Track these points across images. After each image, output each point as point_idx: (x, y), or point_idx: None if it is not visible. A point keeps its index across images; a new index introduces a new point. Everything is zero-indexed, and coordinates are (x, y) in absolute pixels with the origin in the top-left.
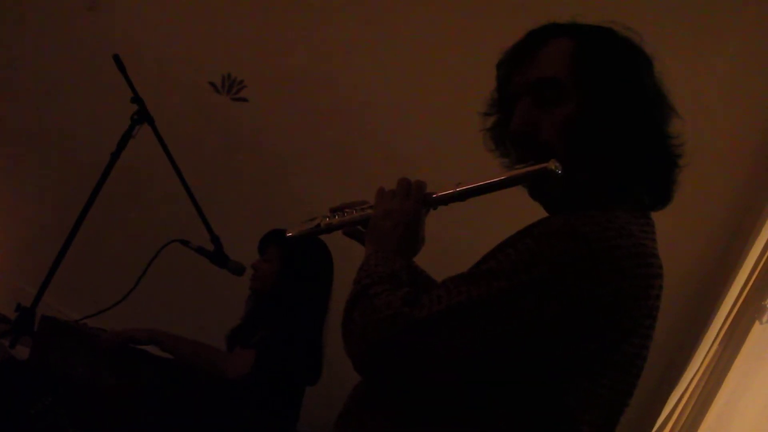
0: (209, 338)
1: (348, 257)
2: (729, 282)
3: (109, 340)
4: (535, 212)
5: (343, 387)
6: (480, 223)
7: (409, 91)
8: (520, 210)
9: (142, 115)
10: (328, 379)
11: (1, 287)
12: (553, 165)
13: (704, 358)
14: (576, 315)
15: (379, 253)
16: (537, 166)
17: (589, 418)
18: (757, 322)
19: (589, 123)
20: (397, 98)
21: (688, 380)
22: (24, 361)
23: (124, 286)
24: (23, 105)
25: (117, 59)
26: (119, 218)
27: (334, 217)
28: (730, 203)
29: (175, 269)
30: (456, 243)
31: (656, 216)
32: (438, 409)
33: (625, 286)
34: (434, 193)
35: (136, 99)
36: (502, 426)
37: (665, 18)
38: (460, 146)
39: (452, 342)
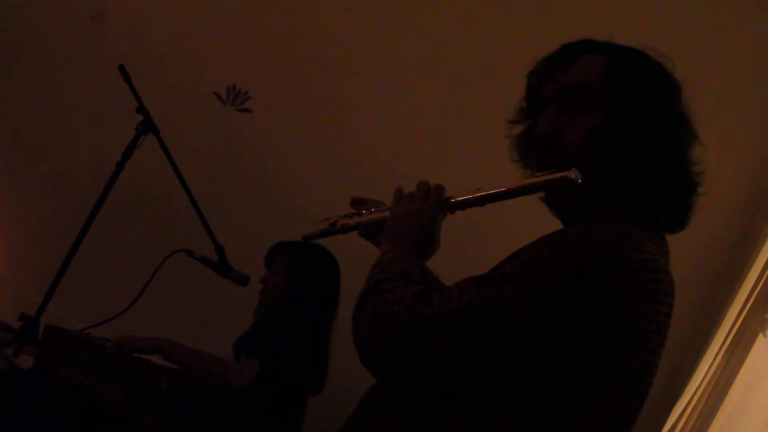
0: (213, 347)
1: (354, 267)
2: (732, 294)
3: (112, 349)
4: (550, 223)
5: (347, 396)
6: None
7: (416, 103)
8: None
9: (147, 126)
10: (332, 388)
11: (5, 296)
12: (573, 174)
13: (708, 370)
14: (583, 324)
15: (395, 252)
16: (557, 174)
17: (592, 430)
18: (760, 335)
19: (612, 137)
20: (404, 109)
21: (691, 393)
22: (28, 370)
23: (128, 295)
24: (28, 114)
25: (122, 69)
26: (124, 228)
27: (351, 217)
28: (734, 215)
29: (179, 279)
30: (467, 250)
31: None
32: (443, 416)
33: (635, 300)
34: (453, 197)
35: (141, 109)
36: None
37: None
38: (468, 159)
39: (459, 341)
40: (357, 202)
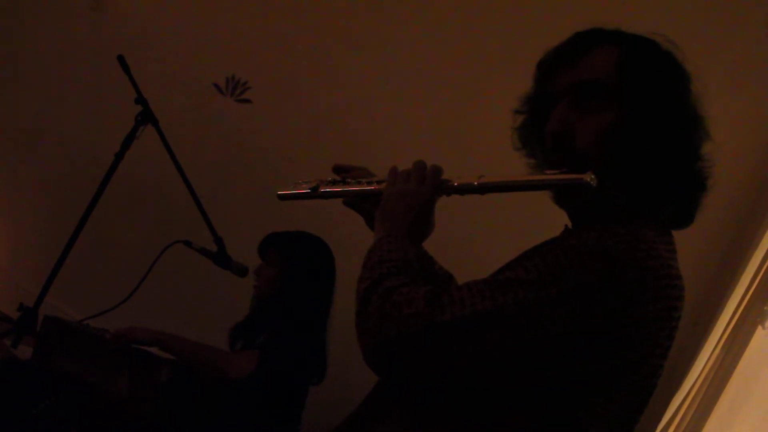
0: (212, 339)
1: (348, 254)
2: (731, 286)
3: (111, 340)
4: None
5: (345, 390)
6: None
7: (415, 94)
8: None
9: (146, 116)
10: (331, 381)
11: (4, 286)
12: (589, 177)
13: (706, 362)
14: (598, 333)
15: (391, 237)
16: (572, 176)
17: None
18: (759, 327)
19: (628, 135)
20: (403, 101)
21: (689, 385)
22: (26, 360)
23: (127, 286)
24: (27, 105)
25: (121, 60)
26: (122, 219)
27: (335, 184)
28: (733, 206)
29: (178, 270)
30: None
31: None
32: (449, 418)
33: (651, 310)
34: (452, 181)
35: (140, 100)
36: None
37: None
38: (469, 152)
39: (472, 347)
40: (340, 170)
